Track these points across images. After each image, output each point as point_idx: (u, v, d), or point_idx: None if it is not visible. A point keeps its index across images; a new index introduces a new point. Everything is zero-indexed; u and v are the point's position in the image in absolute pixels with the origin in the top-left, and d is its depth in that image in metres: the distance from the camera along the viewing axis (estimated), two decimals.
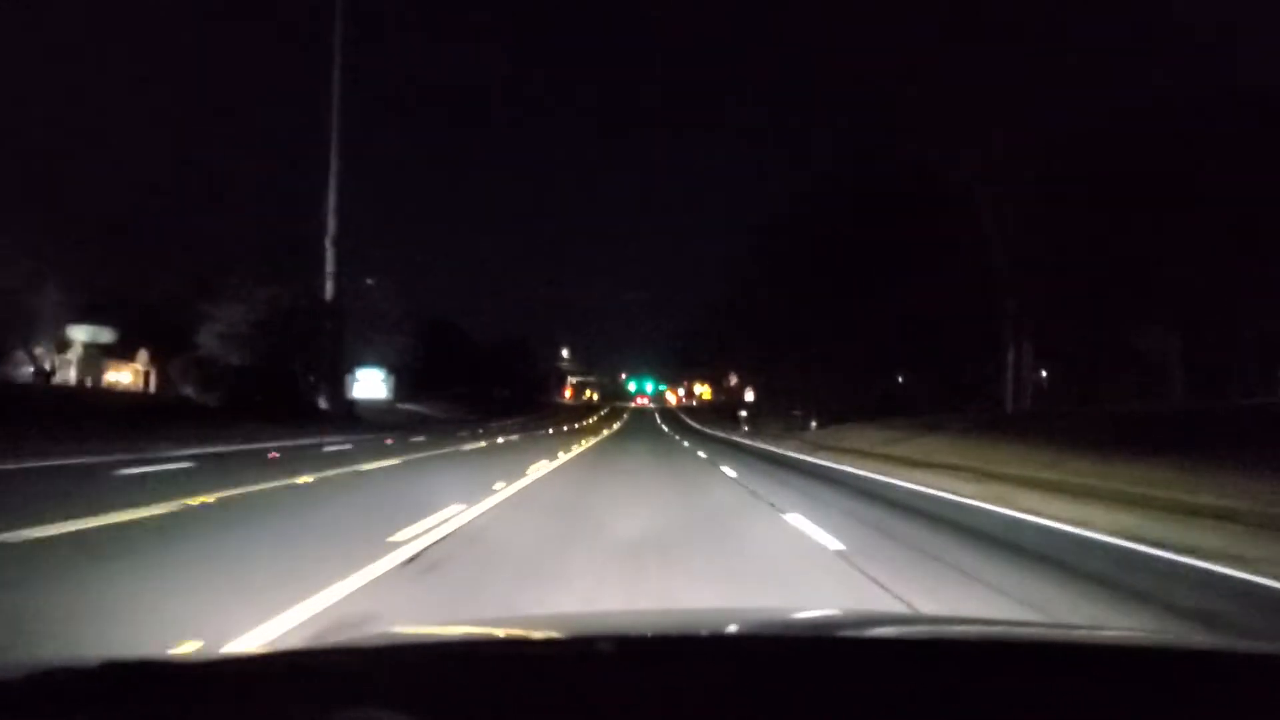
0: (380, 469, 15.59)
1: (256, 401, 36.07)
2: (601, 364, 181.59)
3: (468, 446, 25.79)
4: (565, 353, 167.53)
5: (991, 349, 37.17)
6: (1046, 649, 1.54)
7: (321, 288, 45.06)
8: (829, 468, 20.73)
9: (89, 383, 48.46)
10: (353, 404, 49.58)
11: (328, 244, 44.98)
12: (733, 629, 1.72)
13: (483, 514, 8.93)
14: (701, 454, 25.11)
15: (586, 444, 29.97)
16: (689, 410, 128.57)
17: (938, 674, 1.28)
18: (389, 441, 28.64)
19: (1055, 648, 1.56)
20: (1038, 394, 38.05)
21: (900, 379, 52.85)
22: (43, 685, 1.05)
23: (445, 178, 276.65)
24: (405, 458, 19.15)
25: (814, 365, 52.48)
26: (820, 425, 44.46)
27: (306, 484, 12.10)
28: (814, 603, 5.32)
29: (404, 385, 65.72)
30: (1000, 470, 17.09)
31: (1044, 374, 41.56)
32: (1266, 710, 1.19)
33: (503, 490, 11.48)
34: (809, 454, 26.75)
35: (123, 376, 53.81)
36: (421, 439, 31.58)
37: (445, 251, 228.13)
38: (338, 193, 45.38)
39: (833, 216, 45.96)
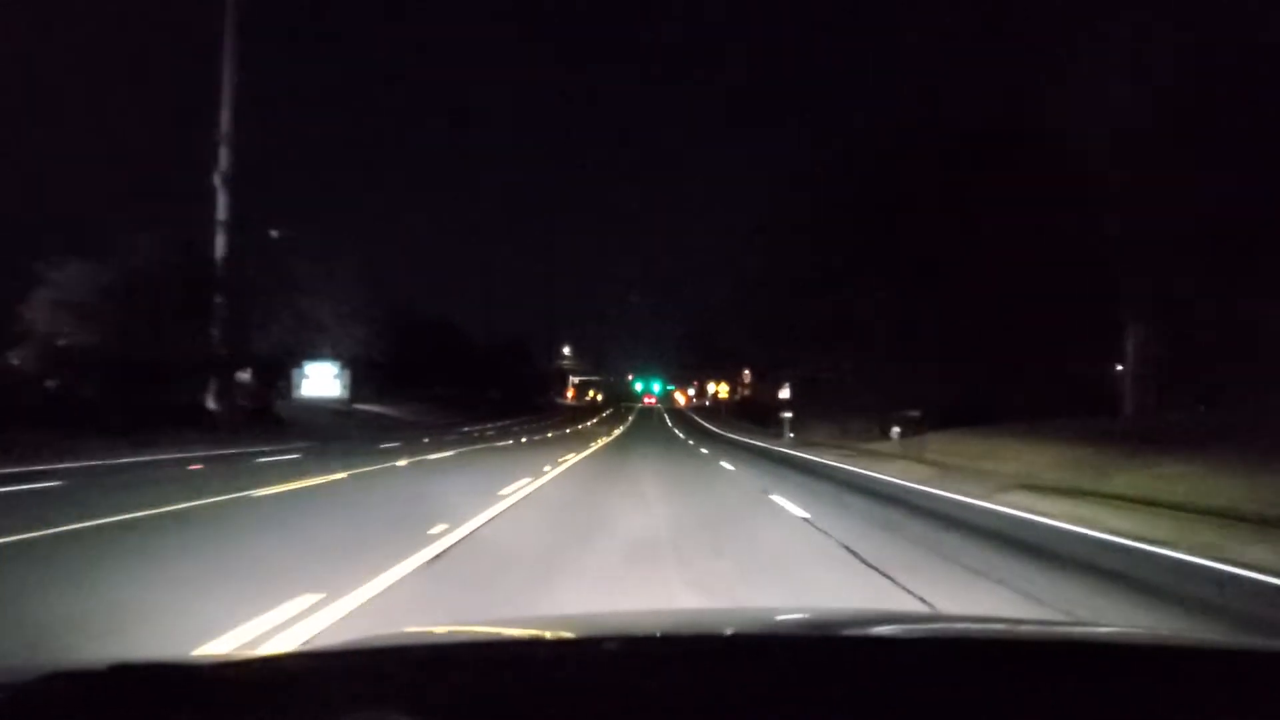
0: None
1: (63, 400, 23.65)
2: (606, 363, 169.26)
3: (318, 481, 13.23)
4: (567, 351, 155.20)
5: (1104, 336, 29.79)
6: (1052, 647, 1.52)
7: (210, 243, 32.53)
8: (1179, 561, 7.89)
9: None
10: (266, 407, 36.98)
11: (217, 182, 32.38)
12: (739, 629, 1.69)
13: None
14: (784, 502, 12.39)
15: (565, 464, 17.97)
16: (702, 411, 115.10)
17: (945, 671, 1.25)
18: (195, 468, 16.07)
19: (1060, 646, 1.55)
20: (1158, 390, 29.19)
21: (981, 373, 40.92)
22: (49, 689, 1.03)
23: (449, 180, 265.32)
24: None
25: (874, 358, 40.27)
26: (902, 434, 31.98)
27: None
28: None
29: (369, 383, 54.24)
30: None
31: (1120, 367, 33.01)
32: (1269, 707, 1.16)
33: None
34: (985, 497, 13.85)
35: None
36: (295, 457, 19.35)
37: (448, 253, 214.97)
38: (234, 110, 32.76)
39: (890, 171, 35.94)
